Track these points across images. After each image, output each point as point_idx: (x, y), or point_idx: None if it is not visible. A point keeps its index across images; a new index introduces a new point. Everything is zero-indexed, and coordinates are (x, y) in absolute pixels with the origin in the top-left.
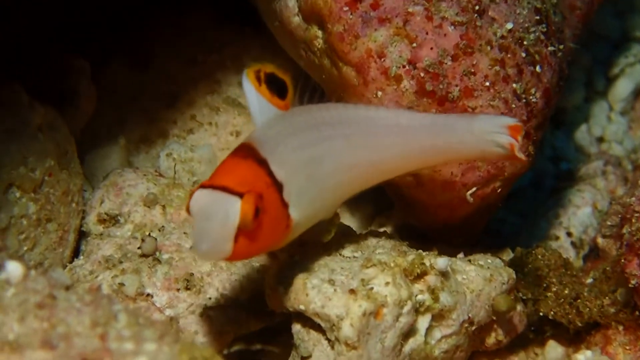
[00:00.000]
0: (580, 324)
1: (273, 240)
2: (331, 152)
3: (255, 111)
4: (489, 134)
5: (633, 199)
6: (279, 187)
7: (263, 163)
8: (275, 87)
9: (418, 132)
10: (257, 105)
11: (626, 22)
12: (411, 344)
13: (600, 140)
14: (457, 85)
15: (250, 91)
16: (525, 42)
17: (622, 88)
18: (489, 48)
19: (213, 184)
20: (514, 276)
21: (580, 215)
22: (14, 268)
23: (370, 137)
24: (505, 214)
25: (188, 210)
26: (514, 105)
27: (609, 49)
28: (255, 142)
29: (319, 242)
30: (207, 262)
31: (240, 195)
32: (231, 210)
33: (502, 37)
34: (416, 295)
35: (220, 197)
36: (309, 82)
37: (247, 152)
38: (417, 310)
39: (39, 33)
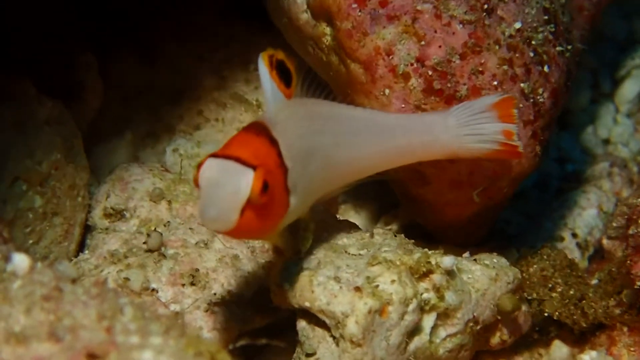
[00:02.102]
0: (585, 325)
1: (273, 222)
2: (321, 147)
3: (268, 93)
4: (465, 127)
5: (639, 200)
6: (285, 170)
7: (275, 143)
8: (283, 75)
9: (394, 131)
10: (270, 88)
11: (633, 24)
12: (416, 342)
13: (606, 142)
14: (465, 84)
15: (265, 74)
16: (533, 42)
17: (628, 90)
18: (497, 47)
19: (225, 153)
20: (520, 276)
21: (585, 216)
22: (21, 260)
23: (352, 136)
24: (510, 215)
25: (196, 177)
26: (521, 105)
27: (616, 51)
28: (268, 122)
29: (324, 239)
30: (211, 229)
31: (254, 167)
32: (243, 181)
33: (511, 36)
34: (422, 294)
35: (233, 167)
36: (312, 75)
37: (260, 129)
38: (423, 308)
39: (47, 27)
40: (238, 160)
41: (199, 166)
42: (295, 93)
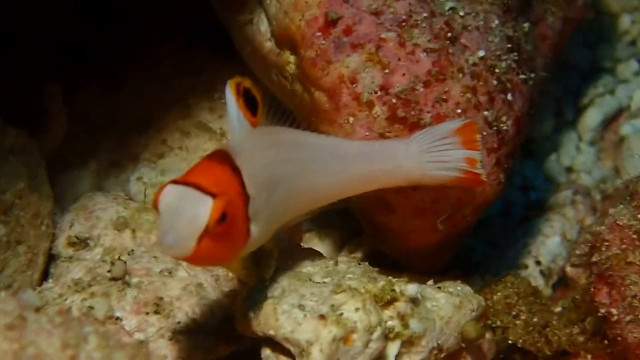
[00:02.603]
0: (549, 353)
1: (232, 251)
2: (285, 176)
3: (234, 121)
4: (427, 154)
5: (603, 227)
6: (246, 199)
7: (237, 172)
8: (249, 103)
9: (357, 159)
10: (236, 116)
11: (595, 52)
12: None
13: (570, 170)
14: (429, 112)
15: (232, 101)
16: (497, 70)
17: (591, 118)
18: (460, 75)
19: (186, 180)
20: (484, 304)
21: (549, 244)
22: None
23: (315, 164)
24: (474, 243)
25: (156, 203)
26: (485, 133)
27: (579, 79)
28: (232, 150)
29: (288, 267)
30: (168, 256)
31: (213, 195)
32: (202, 209)
33: (474, 64)
34: (386, 322)
35: (193, 194)
36: (277, 103)
37: (223, 157)
38: (387, 336)
39: (11, 56)
40: (198, 187)
41: (159, 191)
42: (260, 121)
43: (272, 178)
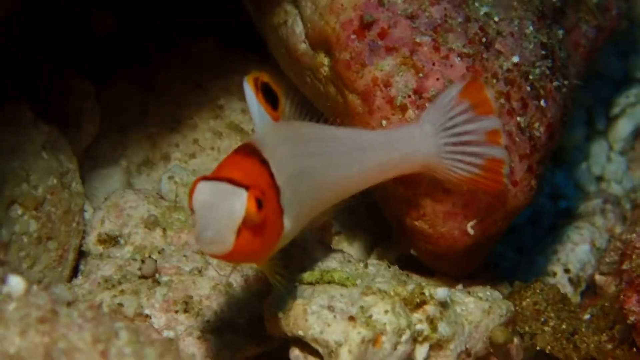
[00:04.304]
0: None
1: (270, 243)
2: (310, 168)
3: (255, 115)
4: (443, 137)
5: (634, 235)
6: (277, 191)
7: (265, 164)
8: (269, 97)
9: (375, 149)
10: (257, 110)
11: (628, 62)
12: None
13: (600, 179)
14: None
15: (251, 96)
16: (530, 76)
17: (622, 128)
18: (494, 81)
19: (218, 175)
20: (512, 309)
21: (578, 252)
22: (16, 282)
23: (338, 156)
24: (503, 249)
25: (190, 201)
26: (517, 139)
27: (610, 89)
28: (258, 144)
29: (318, 269)
30: (208, 252)
31: (247, 187)
32: (237, 202)
33: (508, 70)
34: (415, 325)
35: (226, 189)
36: (298, 96)
37: (250, 151)
38: (416, 339)
39: (45, 52)
40: (230, 181)
41: (191, 190)
42: (282, 115)
43: (298, 170)
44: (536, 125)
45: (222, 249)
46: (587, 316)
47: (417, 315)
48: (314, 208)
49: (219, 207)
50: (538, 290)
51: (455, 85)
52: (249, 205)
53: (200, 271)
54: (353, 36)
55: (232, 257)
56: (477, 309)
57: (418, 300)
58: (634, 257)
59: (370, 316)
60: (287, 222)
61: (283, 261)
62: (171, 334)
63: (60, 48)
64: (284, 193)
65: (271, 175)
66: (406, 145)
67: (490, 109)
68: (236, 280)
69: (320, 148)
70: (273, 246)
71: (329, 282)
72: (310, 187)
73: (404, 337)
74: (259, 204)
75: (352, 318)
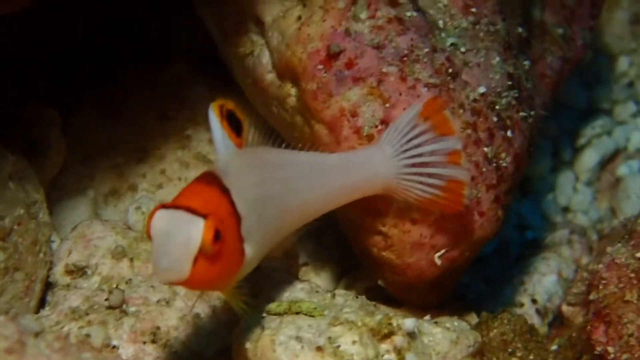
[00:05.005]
0: None
1: (228, 272)
2: (273, 195)
3: (219, 143)
4: (402, 158)
5: (600, 265)
6: (238, 219)
7: (226, 192)
8: (233, 124)
9: (336, 172)
10: (220, 138)
11: (593, 93)
12: None
13: (566, 209)
14: None
15: (215, 123)
16: (497, 107)
17: (588, 159)
18: (461, 111)
19: (176, 204)
20: (480, 340)
21: (545, 282)
22: None
23: (301, 181)
24: (471, 279)
25: (148, 229)
26: (484, 169)
27: (576, 119)
28: (219, 172)
29: (285, 299)
30: (164, 283)
31: (204, 216)
32: (194, 230)
33: (475, 100)
34: (382, 355)
35: (183, 217)
36: (261, 123)
37: (211, 179)
38: None
39: (9, 81)
40: (188, 209)
41: (149, 217)
42: (245, 142)
43: (261, 197)
44: (503, 155)
45: (178, 277)
46: (554, 347)
47: (384, 346)
48: (278, 234)
49: (176, 236)
50: (505, 321)
51: (414, 106)
52: (205, 234)
53: (167, 302)
54: (320, 66)
55: (189, 285)
56: (444, 340)
57: (386, 330)
58: (600, 287)
59: (338, 346)
60: (249, 250)
61: (249, 290)
62: None
63: (23, 74)
64: (245, 221)
65: (232, 203)
66: (366, 167)
67: (450, 129)
68: (204, 310)
69: (282, 173)
70: (233, 274)
71: (297, 313)
72: (273, 213)
73: None
74: (217, 233)
75: (319, 348)
